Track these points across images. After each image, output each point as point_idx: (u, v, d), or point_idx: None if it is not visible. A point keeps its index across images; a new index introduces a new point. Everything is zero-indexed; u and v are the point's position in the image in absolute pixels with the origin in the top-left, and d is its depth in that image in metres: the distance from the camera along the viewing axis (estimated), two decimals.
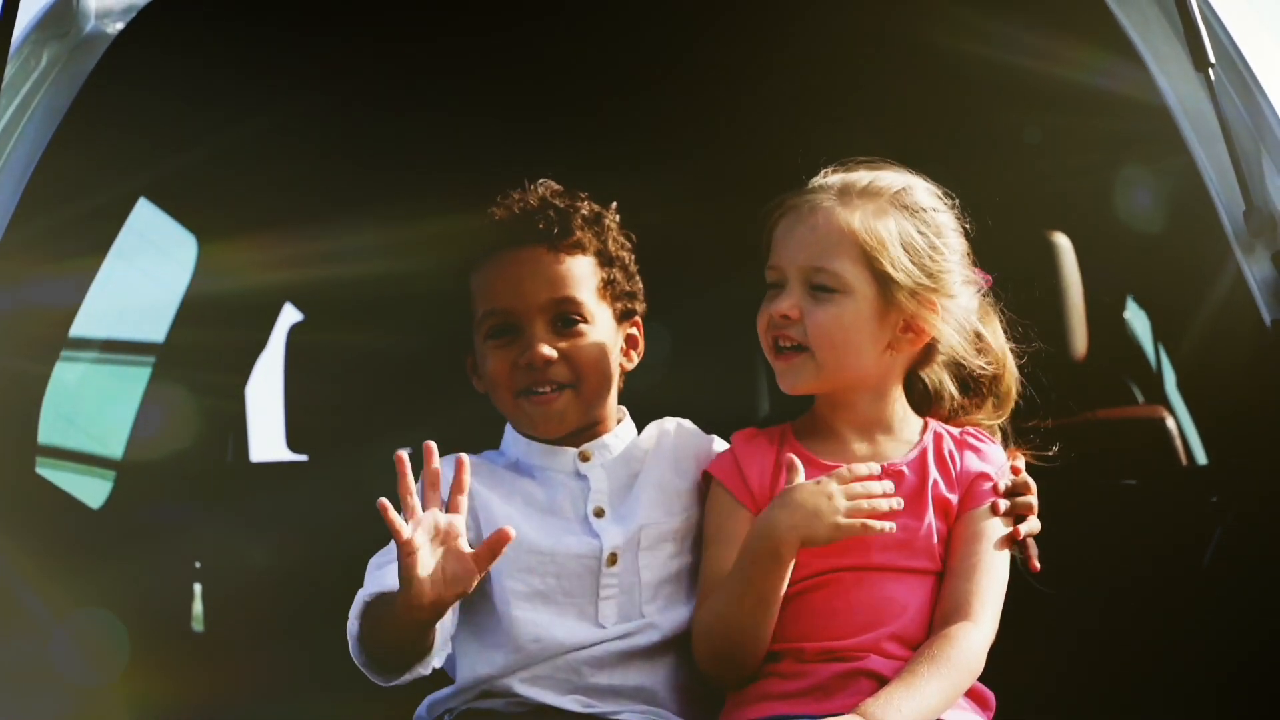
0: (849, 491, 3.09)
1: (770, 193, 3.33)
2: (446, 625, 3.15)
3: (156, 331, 5.33)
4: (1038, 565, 3.27)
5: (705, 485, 3.36)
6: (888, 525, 3.09)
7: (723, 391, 5.20)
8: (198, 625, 5.03)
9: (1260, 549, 3.94)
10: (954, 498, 3.26)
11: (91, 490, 5.02)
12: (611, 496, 3.35)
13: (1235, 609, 4.07)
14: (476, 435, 3.42)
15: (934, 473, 3.26)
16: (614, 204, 3.45)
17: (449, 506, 3.05)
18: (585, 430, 3.38)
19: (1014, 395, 3.38)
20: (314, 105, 4.73)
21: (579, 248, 3.36)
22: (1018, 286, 3.40)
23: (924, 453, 3.28)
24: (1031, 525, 3.27)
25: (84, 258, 4.34)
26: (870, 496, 3.09)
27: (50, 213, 3.96)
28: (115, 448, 5.19)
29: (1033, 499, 3.28)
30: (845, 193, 3.27)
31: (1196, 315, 4.26)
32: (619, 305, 3.40)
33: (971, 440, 3.32)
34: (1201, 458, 5.04)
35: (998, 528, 3.24)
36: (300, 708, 4.33)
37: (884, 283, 3.22)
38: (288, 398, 5.09)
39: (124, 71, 4.10)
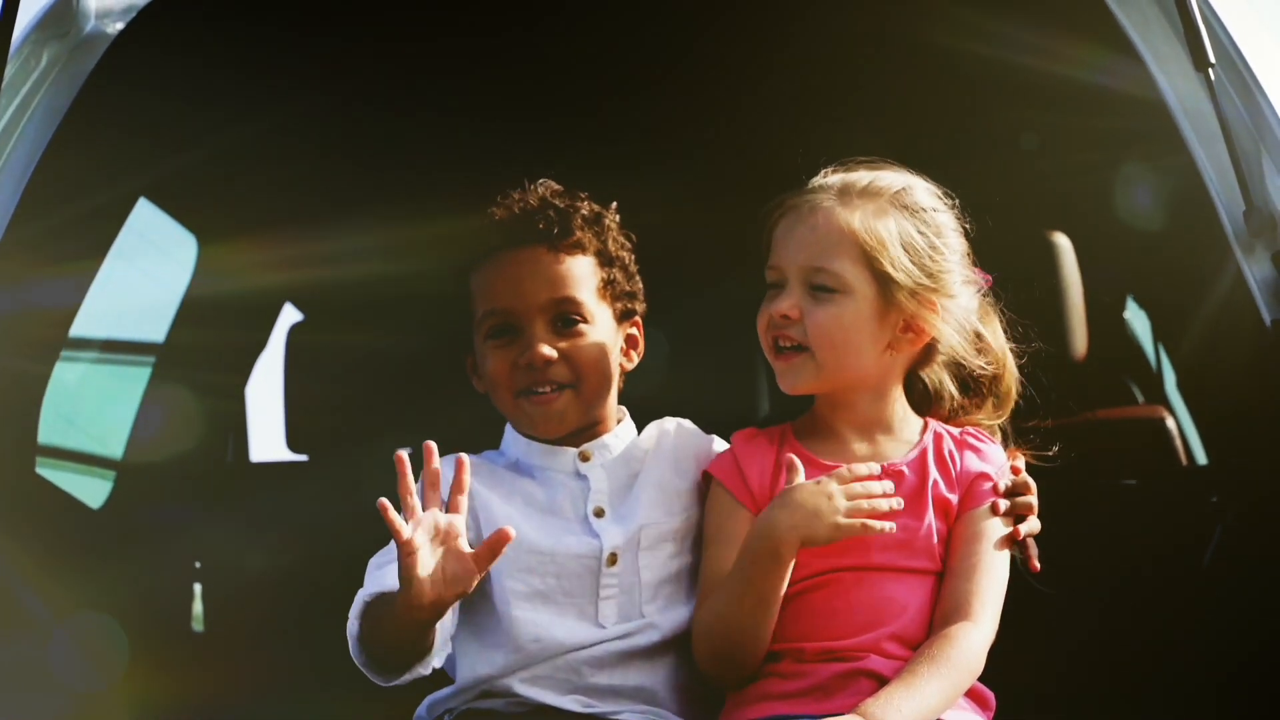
0: (849, 491, 3.09)
1: (770, 193, 3.33)
2: (446, 625, 3.15)
3: (156, 332, 5.33)
4: (1038, 565, 3.27)
5: (705, 485, 3.36)
6: (888, 525, 3.09)
7: (723, 391, 5.20)
8: (198, 625, 5.03)
9: (1260, 549, 3.94)
10: (954, 498, 3.26)
11: (91, 490, 5.02)
12: (611, 496, 3.35)
13: (1235, 609, 4.07)
14: (476, 435, 3.42)
15: (934, 473, 3.26)
16: (614, 204, 3.45)
17: (449, 506, 3.05)
18: (585, 430, 3.38)
19: (1014, 395, 3.38)
20: (314, 105, 4.73)
21: (579, 248, 3.36)
22: (1018, 286, 3.40)
23: (924, 453, 3.28)
24: (1031, 525, 3.27)
25: (84, 258, 4.34)
26: (870, 496, 3.10)
27: (50, 213, 3.96)
28: (115, 448, 5.19)
29: (1033, 499, 3.28)
30: (845, 193, 3.27)
31: (1196, 315, 4.26)
32: (619, 305, 3.40)
33: (971, 440, 3.32)
34: (1201, 458, 5.04)
35: (998, 528, 3.24)
36: (300, 708, 4.33)
37: (884, 283, 3.22)
38: (288, 398, 5.09)
39: (124, 72, 4.10)
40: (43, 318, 4.19)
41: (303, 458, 5.17)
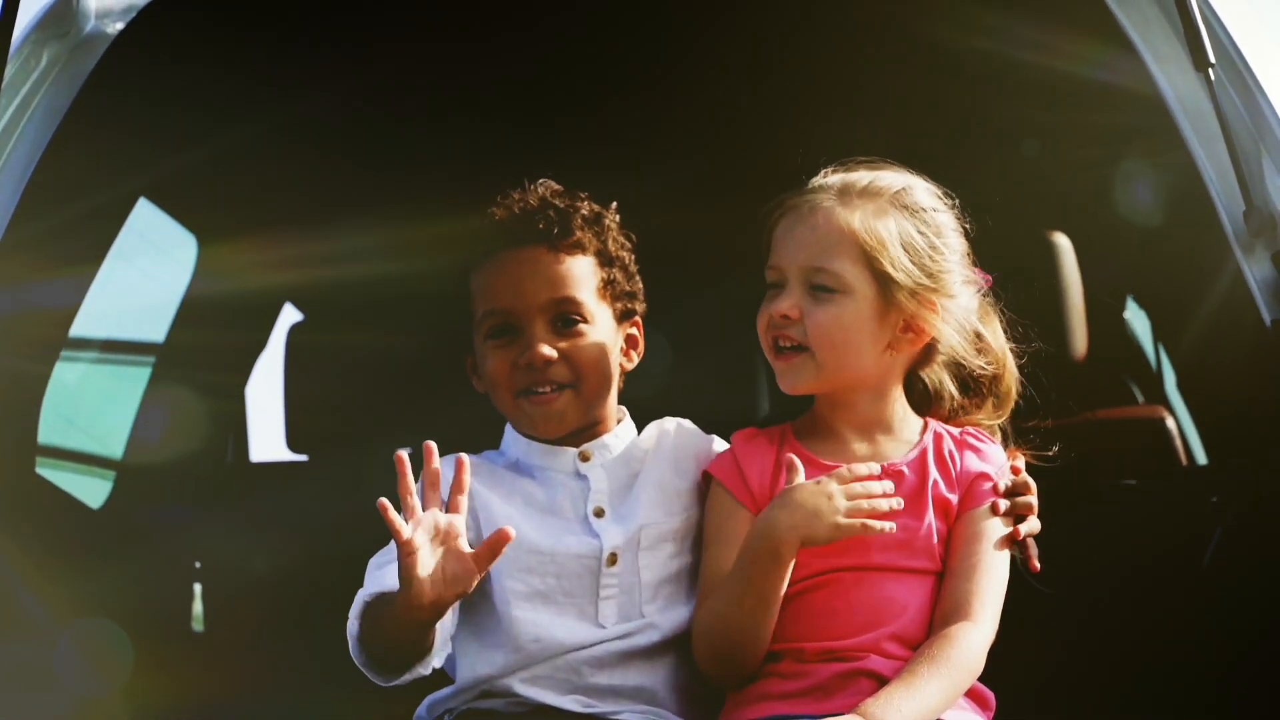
0: (849, 491, 3.09)
1: (770, 193, 3.33)
2: (446, 625, 3.15)
3: (156, 332, 5.33)
4: (1038, 565, 3.27)
5: (705, 485, 3.36)
6: (888, 525, 3.09)
7: (723, 391, 5.20)
8: (198, 625, 5.03)
9: (1260, 549, 3.94)
10: (954, 498, 3.26)
11: (92, 490, 5.02)
12: (611, 496, 3.35)
13: (1235, 609, 4.07)
14: (476, 435, 3.42)
15: (934, 473, 3.26)
16: (614, 204, 3.45)
17: (449, 506, 3.05)
18: (585, 430, 3.38)
19: (1014, 395, 3.38)
20: (314, 105, 4.73)
21: (579, 248, 3.36)
22: (1018, 286, 3.40)
23: (924, 453, 3.28)
24: (1031, 525, 3.27)
25: (84, 258, 4.34)
26: (870, 496, 3.09)
27: (50, 213, 3.96)
28: (115, 448, 5.19)
29: (1033, 499, 3.28)
30: (845, 193, 3.27)
31: (1196, 315, 4.26)
32: (619, 305, 3.40)
33: (971, 440, 3.32)
34: (1201, 458, 5.04)
35: (998, 528, 3.24)
36: (300, 708, 4.33)
37: (884, 283, 3.22)
38: (288, 398, 5.09)
39: (124, 72, 4.09)
40: (43, 318, 4.19)
41: (303, 458, 5.16)
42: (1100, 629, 4.33)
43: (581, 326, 3.33)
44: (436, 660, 3.18)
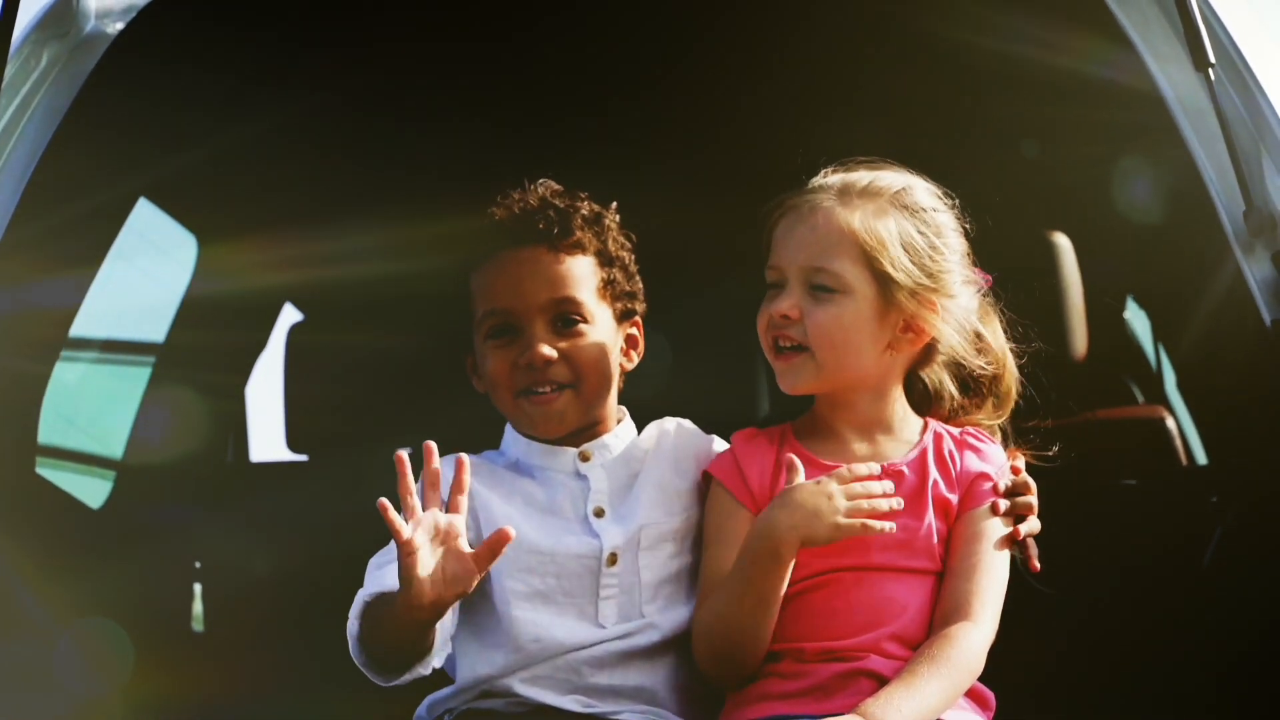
0: (849, 491, 3.09)
1: (770, 193, 3.33)
2: (446, 625, 3.15)
3: (156, 332, 5.33)
4: (1038, 565, 3.27)
5: (705, 485, 3.36)
6: (888, 525, 3.09)
7: (723, 391, 5.19)
8: (198, 625, 5.03)
9: (1260, 549, 3.94)
10: (954, 498, 3.26)
11: (91, 490, 5.02)
12: (611, 496, 3.35)
13: (1235, 609, 4.07)
14: (476, 435, 3.42)
15: (934, 473, 3.26)
16: (614, 204, 3.45)
17: (449, 506, 3.05)
18: (585, 430, 3.38)
19: (1014, 395, 3.38)
20: (314, 105, 4.73)
21: (579, 248, 3.36)
22: (1018, 286, 3.40)
23: (924, 453, 3.28)
24: (1031, 525, 3.27)
25: (84, 258, 4.34)
26: (870, 496, 3.09)
27: (50, 213, 3.96)
28: (115, 448, 5.19)
29: (1033, 499, 3.28)
30: (845, 193, 3.27)
31: (1196, 315, 4.26)
32: (619, 305, 3.40)
33: (971, 440, 3.32)
34: (1201, 458, 5.04)
35: (998, 528, 3.24)
36: (300, 708, 4.33)
37: (884, 283, 3.22)
38: (288, 398, 5.09)
39: (124, 72, 4.09)
40: (43, 318, 4.19)
41: (303, 458, 5.16)
42: (1100, 629, 4.33)
43: (581, 326, 3.33)
44: (436, 660, 3.18)
